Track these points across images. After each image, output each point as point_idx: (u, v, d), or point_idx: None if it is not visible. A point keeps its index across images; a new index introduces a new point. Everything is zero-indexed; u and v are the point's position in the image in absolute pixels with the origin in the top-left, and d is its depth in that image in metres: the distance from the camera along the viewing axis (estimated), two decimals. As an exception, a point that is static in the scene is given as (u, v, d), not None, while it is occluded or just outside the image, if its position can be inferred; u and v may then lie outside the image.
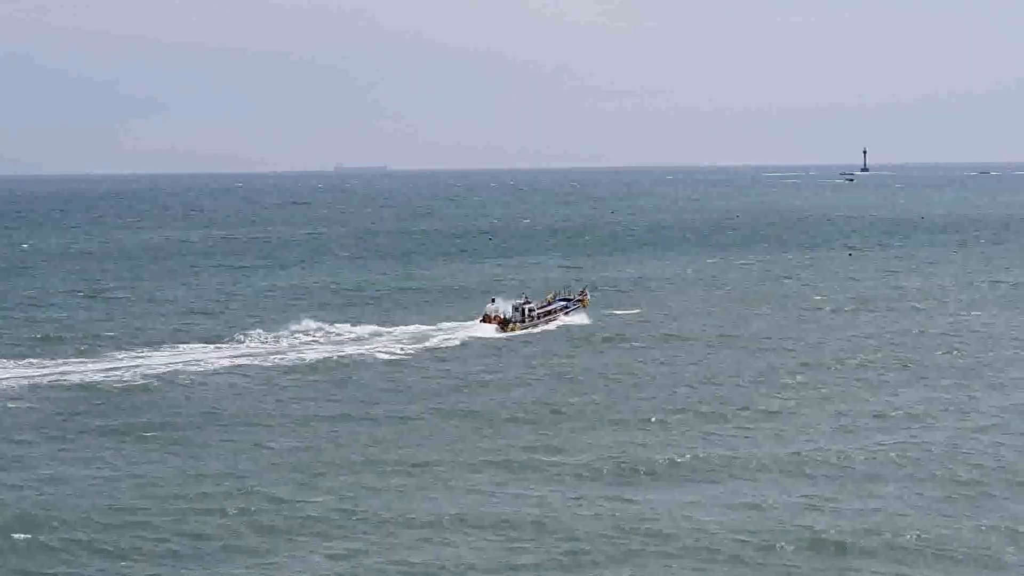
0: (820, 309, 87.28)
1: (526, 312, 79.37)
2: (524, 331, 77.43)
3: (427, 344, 73.34)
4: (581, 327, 79.18)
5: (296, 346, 72.79)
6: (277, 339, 74.87)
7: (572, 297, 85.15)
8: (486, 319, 78.64)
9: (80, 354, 70.66)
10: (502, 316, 78.66)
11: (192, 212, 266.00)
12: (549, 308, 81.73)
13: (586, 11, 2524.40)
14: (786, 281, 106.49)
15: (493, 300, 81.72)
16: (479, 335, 75.67)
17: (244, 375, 64.50)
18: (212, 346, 73.19)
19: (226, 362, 67.98)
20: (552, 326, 79.31)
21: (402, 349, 71.73)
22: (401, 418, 54.03)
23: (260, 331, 77.12)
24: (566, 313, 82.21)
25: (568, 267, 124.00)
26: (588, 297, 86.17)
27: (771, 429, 50.85)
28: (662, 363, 66.23)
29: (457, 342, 73.75)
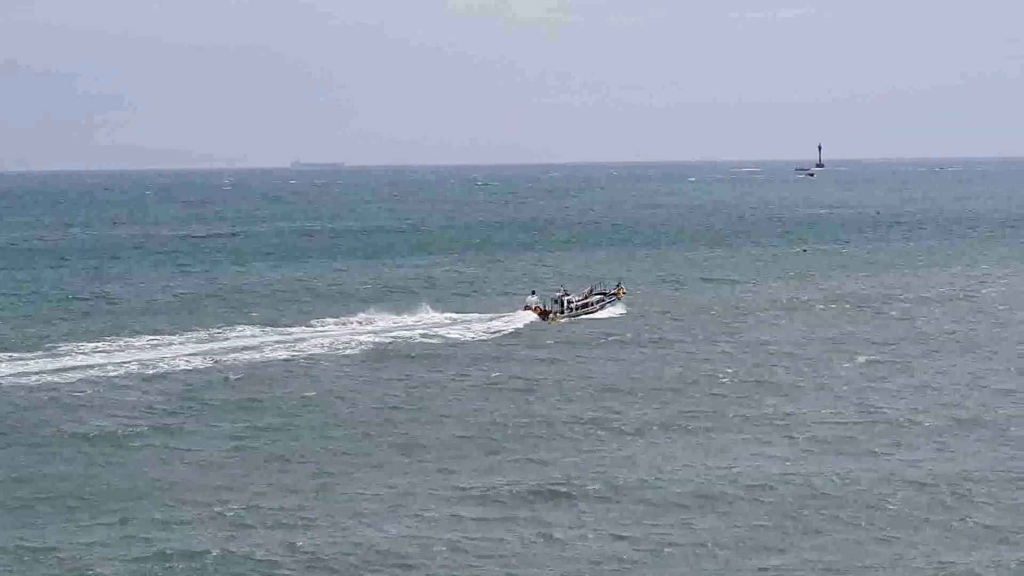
0: (781, 309, 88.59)
1: (565, 304, 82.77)
2: (564, 321, 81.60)
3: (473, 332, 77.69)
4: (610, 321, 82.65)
5: (348, 335, 76.55)
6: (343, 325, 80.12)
7: (608, 292, 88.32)
8: (527, 309, 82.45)
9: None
10: (542, 307, 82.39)
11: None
12: (587, 301, 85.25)
13: (537, 7, 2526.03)
14: (757, 279, 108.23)
15: (533, 292, 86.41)
16: (523, 323, 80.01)
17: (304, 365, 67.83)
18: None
19: (283, 353, 70.74)
20: (591, 318, 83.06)
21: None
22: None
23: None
24: (603, 306, 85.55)
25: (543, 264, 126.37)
26: (624, 291, 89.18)
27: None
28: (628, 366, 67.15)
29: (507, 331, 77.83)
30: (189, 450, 50.05)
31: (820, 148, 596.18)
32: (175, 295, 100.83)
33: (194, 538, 38.81)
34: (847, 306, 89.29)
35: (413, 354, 71.12)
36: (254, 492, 43.68)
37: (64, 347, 73.14)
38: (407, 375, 65.02)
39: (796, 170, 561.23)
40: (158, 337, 76.28)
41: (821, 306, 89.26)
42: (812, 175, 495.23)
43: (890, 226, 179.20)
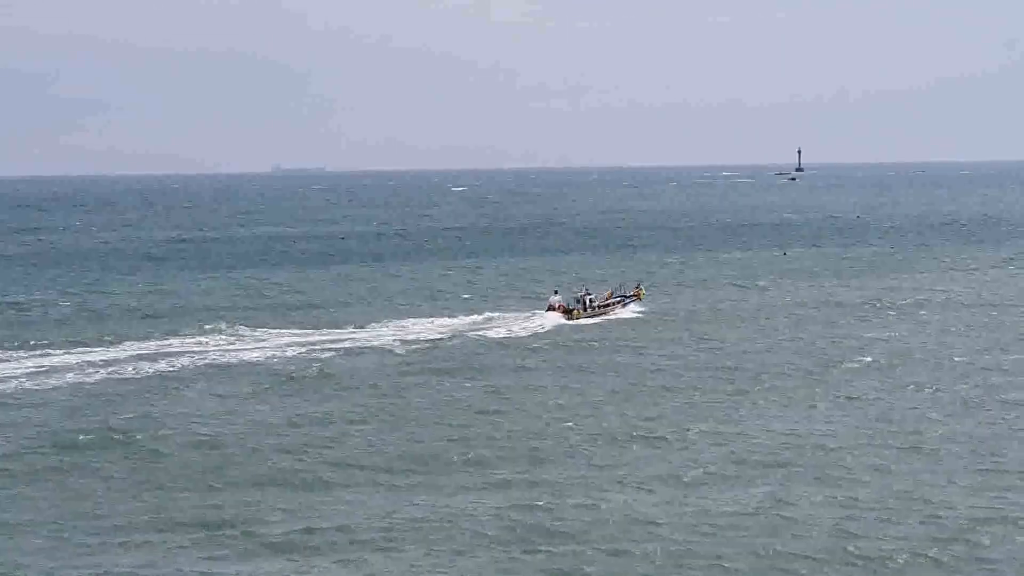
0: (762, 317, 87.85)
1: (587, 303, 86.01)
2: (586, 319, 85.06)
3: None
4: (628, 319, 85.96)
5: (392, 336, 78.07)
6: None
7: (627, 293, 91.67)
8: (551, 309, 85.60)
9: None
10: (565, 305, 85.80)
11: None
12: (608, 302, 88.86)
13: (515, 10, 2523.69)
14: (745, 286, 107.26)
15: (556, 291, 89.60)
16: (549, 323, 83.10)
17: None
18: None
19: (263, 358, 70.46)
20: (611, 316, 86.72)
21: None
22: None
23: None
24: (623, 306, 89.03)
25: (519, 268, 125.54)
26: (643, 291, 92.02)
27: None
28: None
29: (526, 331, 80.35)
30: (156, 464, 48.58)
31: (800, 152, 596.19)
32: (148, 300, 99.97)
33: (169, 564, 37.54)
34: (831, 311, 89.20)
35: (427, 358, 70.74)
36: (227, 511, 42.35)
37: (39, 351, 72.41)
38: (406, 381, 64.24)
39: (776, 174, 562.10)
40: (134, 343, 75.39)
41: (812, 310, 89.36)
42: (794, 179, 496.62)
43: (870, 230, 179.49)
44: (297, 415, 56.38)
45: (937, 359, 68.80)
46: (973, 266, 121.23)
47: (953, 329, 79.90)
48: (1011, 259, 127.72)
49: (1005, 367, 66.27)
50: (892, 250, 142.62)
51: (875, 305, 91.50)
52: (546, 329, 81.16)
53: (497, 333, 79.37)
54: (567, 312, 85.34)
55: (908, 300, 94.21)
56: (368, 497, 43.65)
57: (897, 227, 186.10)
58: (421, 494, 43.99)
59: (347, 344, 75.04)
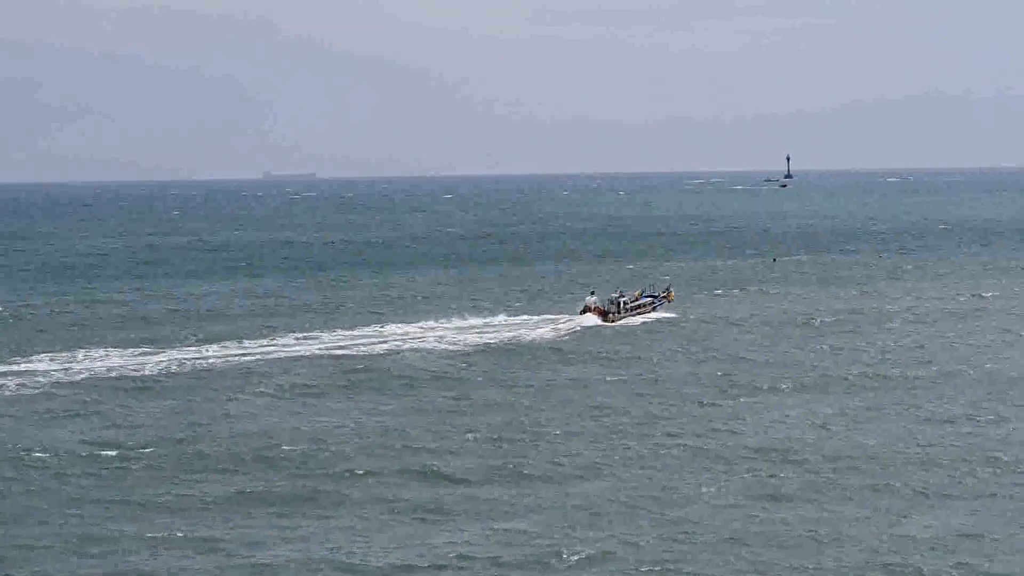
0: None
1: (621, 305, 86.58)
2: (621, 322, 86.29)
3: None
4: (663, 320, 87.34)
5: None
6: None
7: (658, 294, 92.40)
8: (587, 310, 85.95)
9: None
10: (602, 308, 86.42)
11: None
12: (639, 303, 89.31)
13: (481, 23, 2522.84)
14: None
15: (592, 292, 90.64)
16: (586, 324, 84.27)
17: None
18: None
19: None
20: (645, 319, 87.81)
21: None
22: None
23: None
24: (654, 308, 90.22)
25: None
26: (673, 293, 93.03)
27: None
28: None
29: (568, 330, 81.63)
30: (142, 475, 47.01)
31: (788, 159, 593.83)
32: (132, 309, 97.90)
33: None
34: (832, 317, 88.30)
35: (461, 362, 70.18)
36: (212, 526, 40.87)
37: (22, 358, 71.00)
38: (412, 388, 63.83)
39: (765, 181, 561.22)
40: (118, 349, 74.00)
41: (822, 317, 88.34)
42: (784, 186, 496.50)
43: (862, 237, 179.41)
44: (296, 425, 54.56)
45: (942, 364, 68.40)
46: (971, 271, 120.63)
47: (953, 336, 79.21)
48: (1008, 265, 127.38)
49: (1007, 373, 65.68)
50: (882, 258, 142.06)
51: (877, 311, 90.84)
52: (579, 331, 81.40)
53: (527, 336, 79.02)
54: (603, 315, 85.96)
55: (903, 308, 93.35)
56: (362, 518, 41.99)
57: (887, 231, 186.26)
58: (425, 512, 42.43)
59: (355, 352, 73.52)
